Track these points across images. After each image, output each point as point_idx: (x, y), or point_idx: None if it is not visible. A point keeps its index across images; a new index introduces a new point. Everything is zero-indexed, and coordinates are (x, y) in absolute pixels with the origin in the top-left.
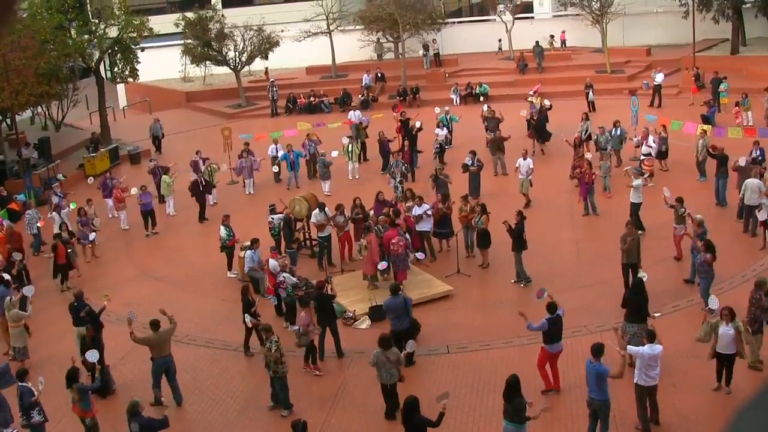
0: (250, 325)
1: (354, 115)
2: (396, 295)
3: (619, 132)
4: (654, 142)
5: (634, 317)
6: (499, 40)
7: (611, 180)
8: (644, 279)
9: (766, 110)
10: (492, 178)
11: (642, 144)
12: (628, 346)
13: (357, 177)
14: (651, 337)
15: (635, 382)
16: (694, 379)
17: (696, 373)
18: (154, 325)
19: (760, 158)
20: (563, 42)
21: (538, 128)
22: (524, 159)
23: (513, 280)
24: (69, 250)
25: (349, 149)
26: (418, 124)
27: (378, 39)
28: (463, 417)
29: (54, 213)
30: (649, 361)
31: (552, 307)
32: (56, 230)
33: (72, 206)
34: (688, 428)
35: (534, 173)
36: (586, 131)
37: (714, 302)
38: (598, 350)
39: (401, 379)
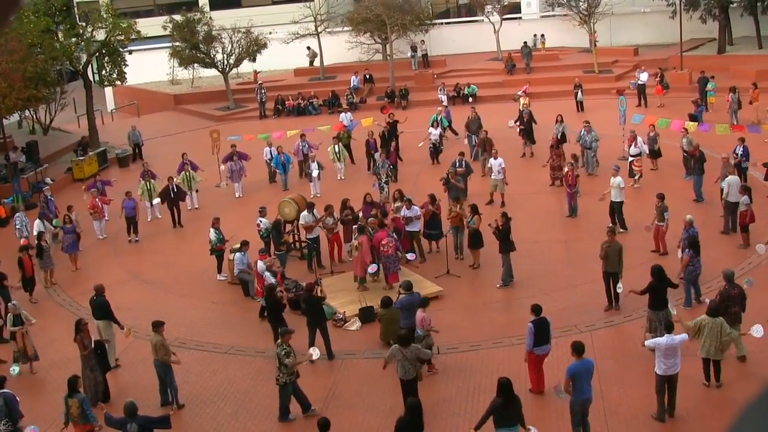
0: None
1: (345, 118)
2: (411, 292)
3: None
4: (644, 143)
5: (658, 304)
6: (534, 36)
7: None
8: (620, 291)
9: (733, 111)
10: (480, 179)
11: (631, 145)
12: (647, 342)
13: (343, 178)
14: (669, 328)
15: (655, 371)
16: (686, 377)
17: (687, 371)
18: (155, 326)
19: (743, 156)
20: (594, 42)
21: (528, 130)
22: (495, 159)
23: (498, 285)
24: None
25: (336, 150)
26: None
27: (308, 47)
28: (453, 418)
29: (37, 220)
30: (666, 351)
31: (537, 309)
32: (35, 236)
33: (55, 223)
34: (683, 427)
35: (513, 174)
36: (562, 133)
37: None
38: (581, 348)
39: (419, 377)
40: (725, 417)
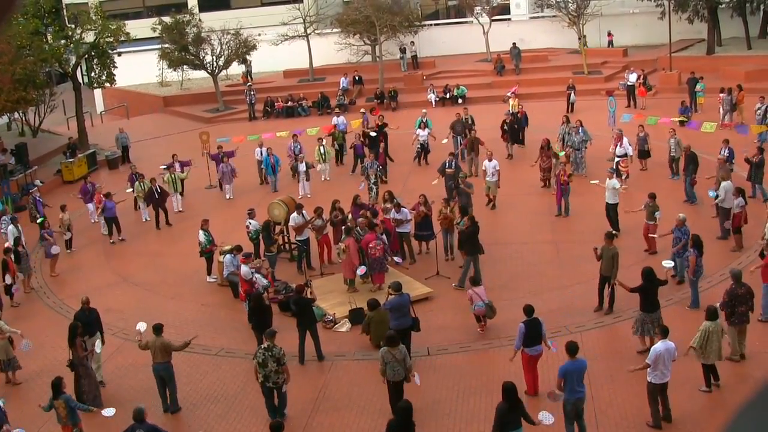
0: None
1: (339, 121)
2: (400, 293)
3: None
4: (629, 143)
5: (650, 306)
6: (579, 39)
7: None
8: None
9: (726, 112)
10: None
11: (617, 145)
12: (647, 359)
13: (328, 179)
14: (664, 333)
15: (648, 380)
16: (681, 379)
17: (683, 374)
18: (156, 329)
19: (729, 157)
20: (610, 42)
21: (514, 131)
22: (489, 161)
23: (454, 285)
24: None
25: (321, 152)
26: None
27: (246, 59)
28: (443, 420)
29: (11, 225)
30: (666, 357)
31: (529, 310)
32: (9, 244)
33: (40, 221)
34: (678, 428)
35: (501, 175)
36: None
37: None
38: (574, 348)
39: (407, 378)
40: (719, 418)
